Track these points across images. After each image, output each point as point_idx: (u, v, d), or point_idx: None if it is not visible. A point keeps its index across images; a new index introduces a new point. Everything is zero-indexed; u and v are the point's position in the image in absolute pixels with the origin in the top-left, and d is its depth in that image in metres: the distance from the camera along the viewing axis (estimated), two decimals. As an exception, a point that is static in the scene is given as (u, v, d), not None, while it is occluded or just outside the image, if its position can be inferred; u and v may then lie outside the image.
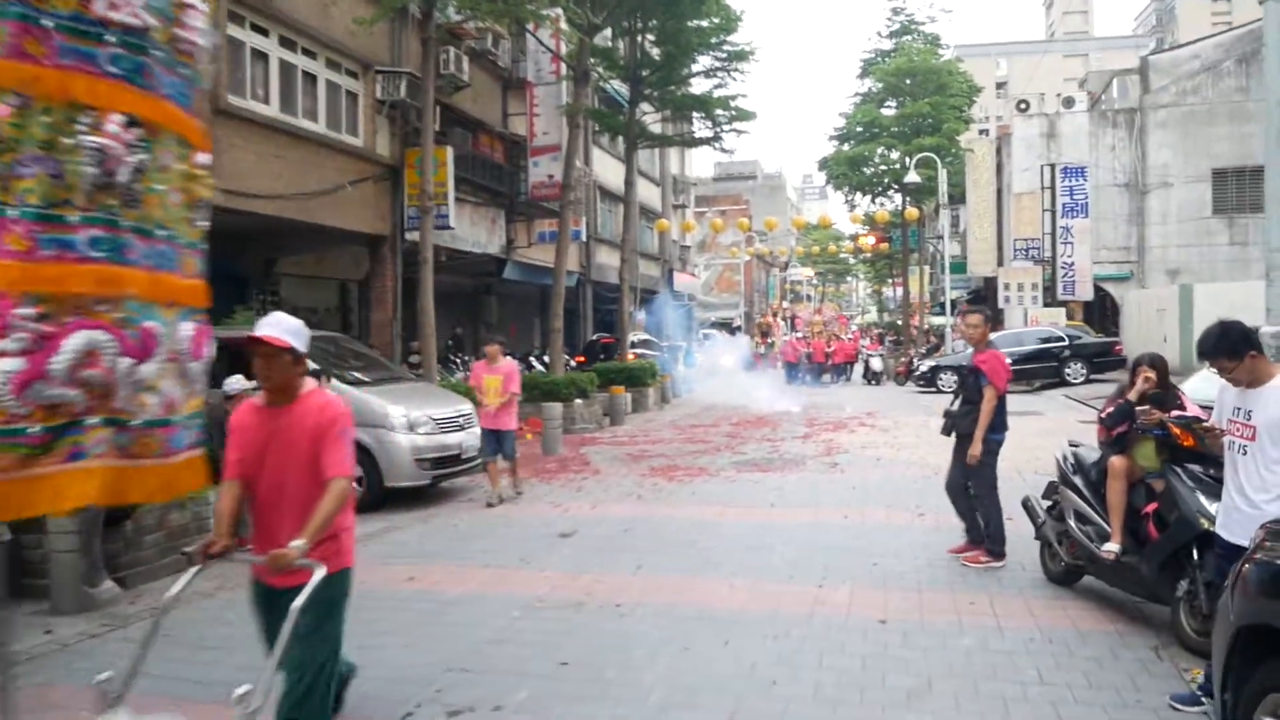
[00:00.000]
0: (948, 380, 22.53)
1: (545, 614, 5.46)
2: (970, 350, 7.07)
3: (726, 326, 42.68)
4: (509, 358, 10.19)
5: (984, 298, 38.84)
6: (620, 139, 21.64)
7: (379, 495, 8.91)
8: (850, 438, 13.80)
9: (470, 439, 9.65)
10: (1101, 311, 30.55)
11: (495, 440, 9.12)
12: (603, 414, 17.34)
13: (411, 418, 8.98)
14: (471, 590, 6.05)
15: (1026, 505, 6.24)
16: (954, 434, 6.79)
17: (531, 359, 27.00)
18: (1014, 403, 18.07)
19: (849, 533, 7.44)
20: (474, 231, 21.20)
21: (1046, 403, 19.04)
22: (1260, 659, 3.02)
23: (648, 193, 36.28)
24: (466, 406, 10.07)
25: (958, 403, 6.88)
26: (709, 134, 21.90)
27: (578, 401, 16.08)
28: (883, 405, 19.63)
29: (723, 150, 21.46)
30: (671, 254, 40.51)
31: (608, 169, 32.02)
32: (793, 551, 6.84)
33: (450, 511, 8.85)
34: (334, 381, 9.09)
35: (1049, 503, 6.08)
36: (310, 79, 15.13)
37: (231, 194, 12.51)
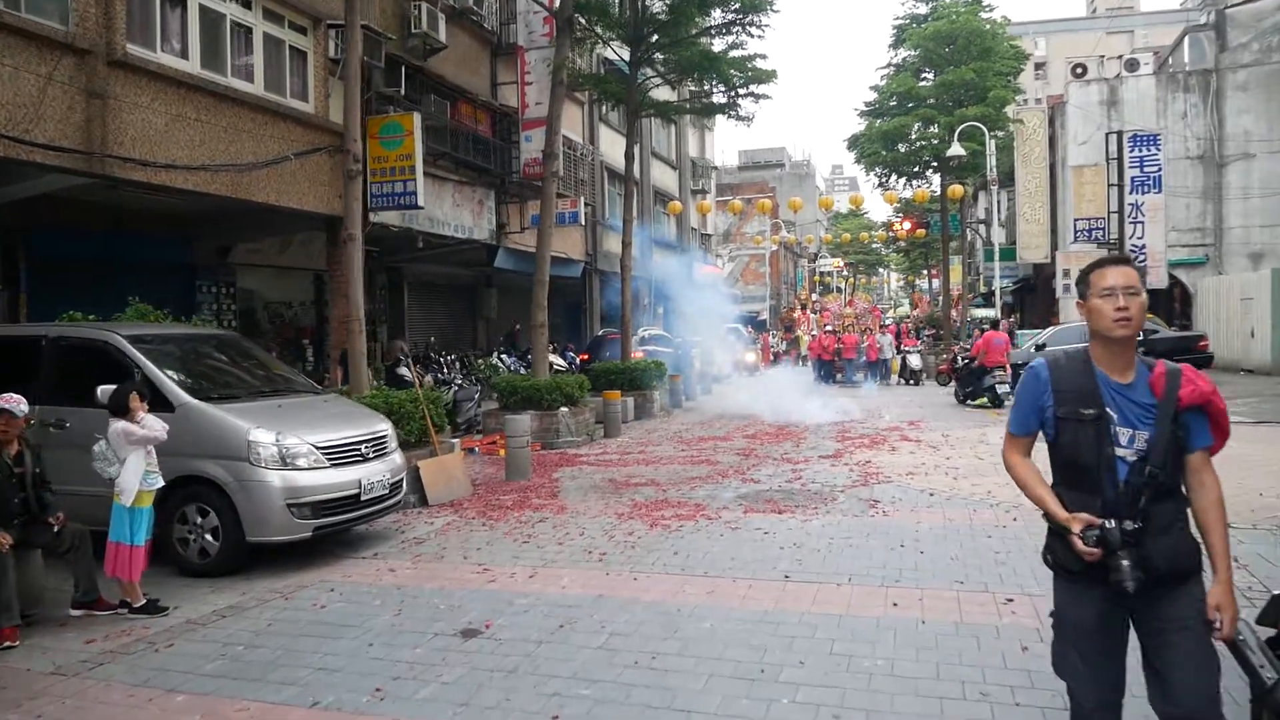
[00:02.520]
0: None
1: None
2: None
3: (748, 323, 39.89)
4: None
5: (1033, 287, 35.72)
6: (625, 113, 19.01)
7: (236, 554, 6.41)
8: (891, 458, 11.09)
9: (381, 473, 7.12)
10: (1168, 302, 27.40)
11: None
12: (595, 423, 14.78)
13: (284, 446, 6.45)
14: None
15: (1236, 647, 3.44)
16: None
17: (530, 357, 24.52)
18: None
19: (901, 640, 4.78)
20: (456, 214, 18.71)
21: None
22: None
23: (663, 176, 33.61)
24: (381, 427, 7.54)
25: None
26: (723, 100, 19.15)
27: (562, 411, 13.51)
28: (926, 412, 16.85)
29: (740, 119, 18.83)
30: (691, 243, 37.81)
31: (616, 149, 29.39)
32: (811, 689, 4.20)
33: (330, 581, 6.30)
34: (186, 398, 6.59)
35: (1273, 634, 3.36)
36: (243, 31, 12.67)
37: (134, 163, 10.11)
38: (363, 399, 8.95)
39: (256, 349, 8.59)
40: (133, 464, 5.41)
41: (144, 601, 5.56)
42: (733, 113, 19.14)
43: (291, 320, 18.18)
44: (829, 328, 26.79)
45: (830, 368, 25.10)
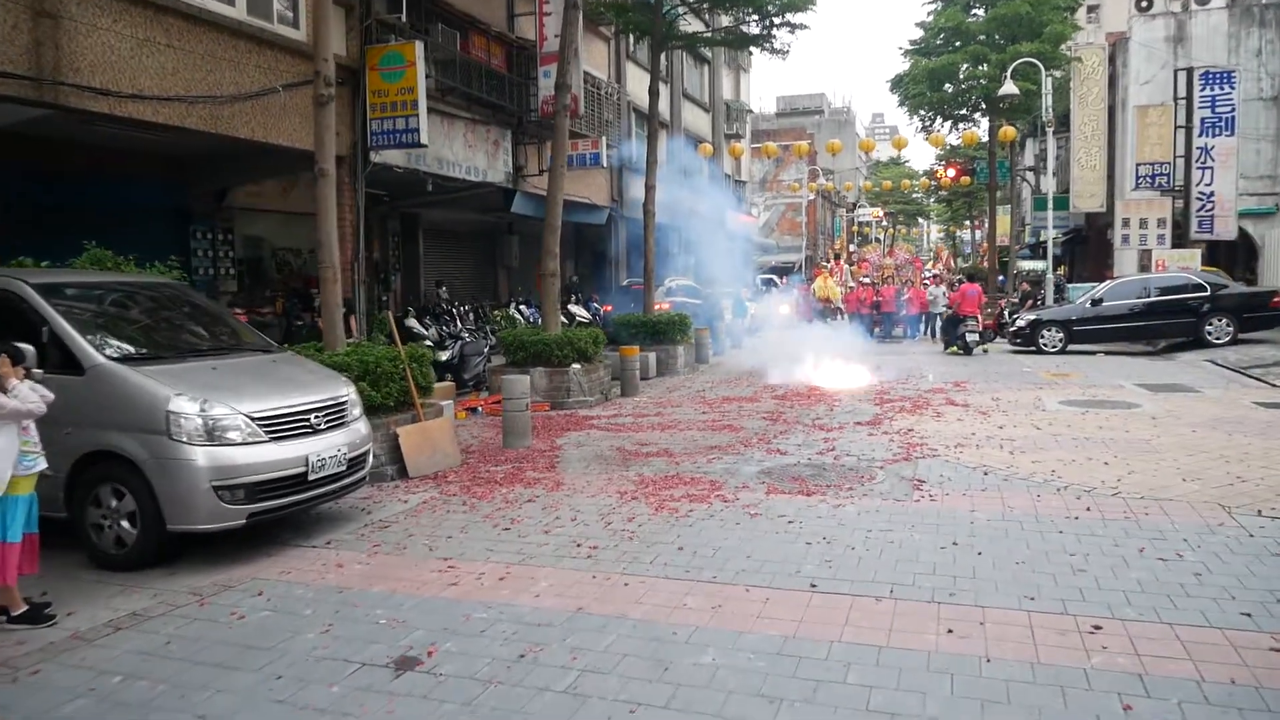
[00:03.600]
0: (1053, 338, 18.23)
1: None
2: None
3: (779, 274, 38.36)
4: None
5: (1084, 239, 33.77)
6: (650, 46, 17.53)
7: (157, 544, 5.40)
8: (936, 426, 9.84)
9: (337, 446, 6.05)
10: (1230, 256, 25.52)
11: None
12: (612, 380, 13.67)
13: (210, 417, 5.40)
14: None
15: None
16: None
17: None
18: (1142, 369, 13.77)
19: (961, 689, 3.63)
20: (469, 155, 17.49)
21: (1190, 371, 14.69)
22: None
23: (695, 119, 31.97)
24: (342, 392, 6.47)
25: None
26: (757, 31, 17.60)
27: (573, 368, 12.39)
28: (973, 371, 15.50)
29: (774, 52, 17.28)
30: (725, 189, 36.20)
31: (645, 89, 27.83)
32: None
33: (263, 579, 5.28)
34: (99, 359, 5.55)
35: None
36: (222, -56, 11.45)
37: (93, 93, 9.02)
38: (335, 357, 7.89)
39: (206, 301, 7.54)
40: (2, 444, 4.38)
41: (25, 609, 4.57)
42: (766, 45, 17.61)
43: (300, 268, 17.16)
44: (865, 279, 25.28)
45: (870, 322, 23.69)
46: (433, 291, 20.38)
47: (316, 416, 6.01)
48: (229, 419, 5.48)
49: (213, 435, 5.39)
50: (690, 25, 21.33)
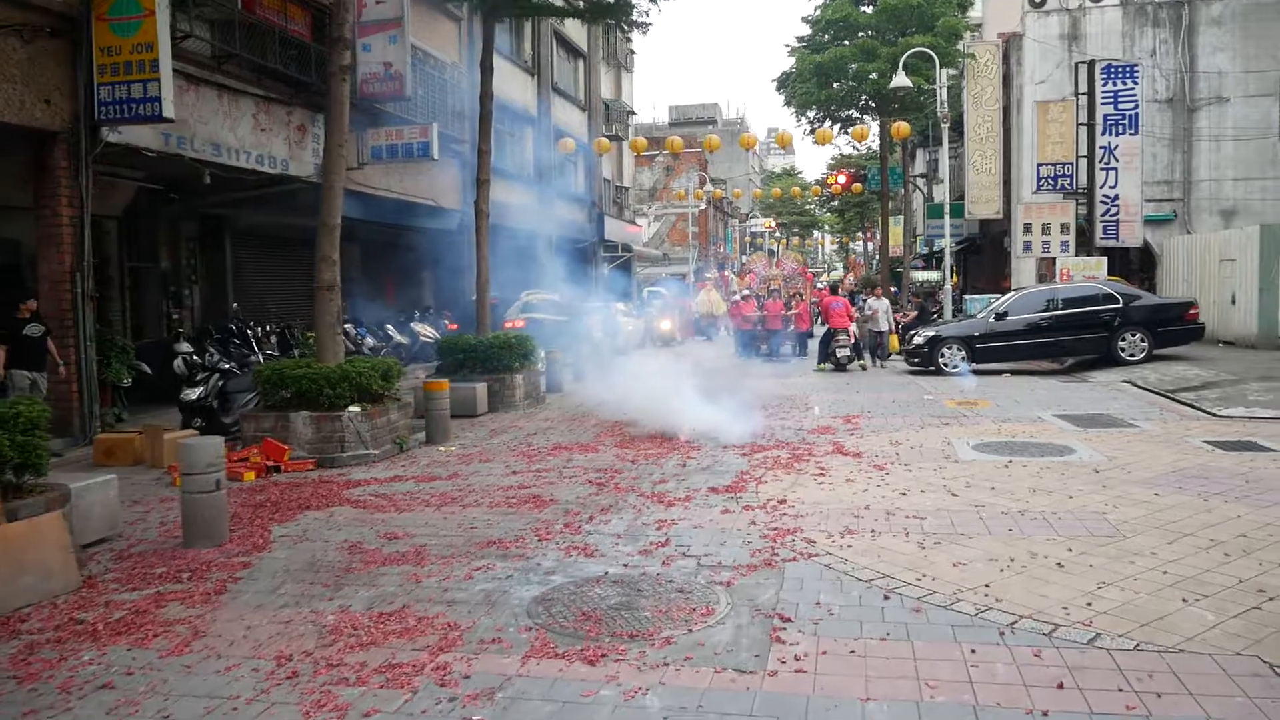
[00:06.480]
0: (953, 357, 16.05)
1: None
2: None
3: (673, 284, 35.90)
4: None
5: (978, 248, 32.39)
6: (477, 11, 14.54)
7: None
8: (818, 492, 7.16)
9: None
10: (1125, 264, 24.18)
11: None
12: (420, 419, 10.65)
13: None
14: None
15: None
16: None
17: (389, 327, 20.15)
18: (1059, 395, 11.53)
19: None
20: (262, 140, 14.22)
21: (1111, 397, 12.58)
22: None
23: (568, 116, 29.17)
24: None
25: None
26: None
27: (351, 411, 9.29)
28: (865, 400, 13.05)
29: (631, 25, 14.66)
30: (603, 196, 33.55)
31: (512, 84, 24.90)
32: None
33: None
34: None
35: None
36: None
37: None
38: None
39: None
40: None
41: None
42: (624, 15, 14.90)
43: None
44: (746, 291, 22.89)
45: (753, 338, 21.25)
46: (234, 310, 16.95)
47: None
48: None
49: None
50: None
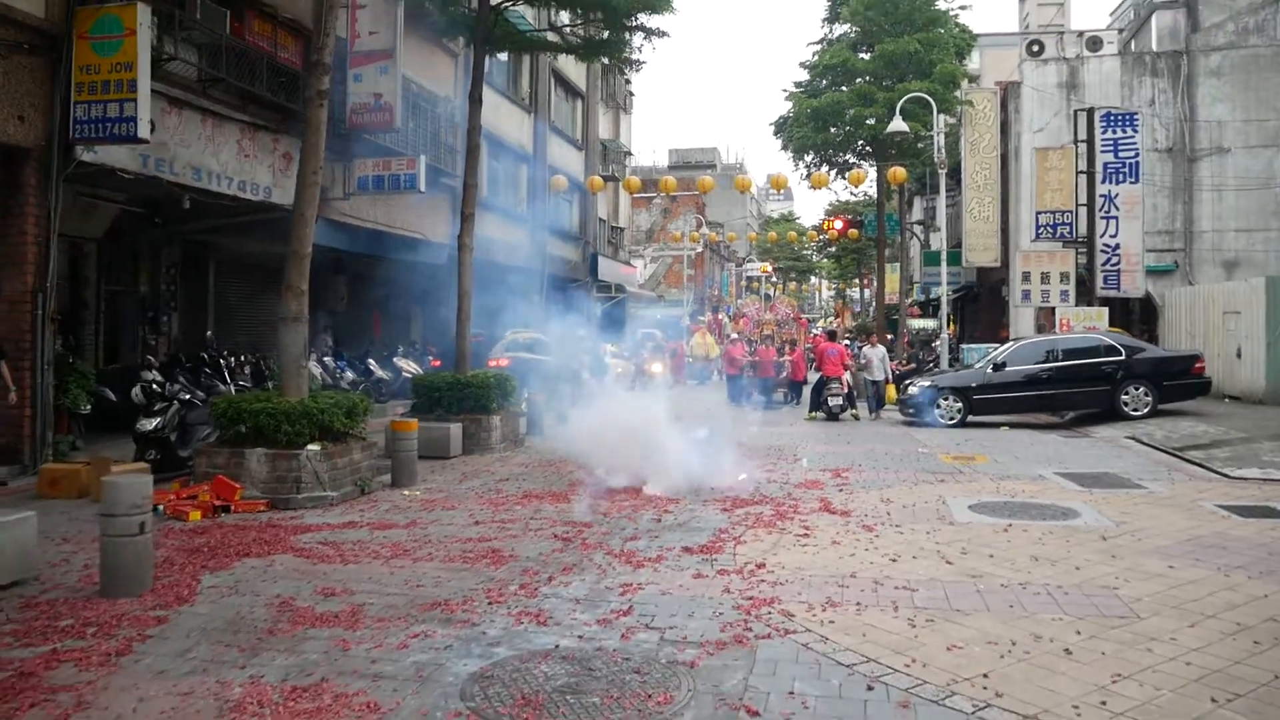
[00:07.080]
0: (950, 408, 15.54)
1: None
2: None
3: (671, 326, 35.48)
4: None
5: (975, 296, 32.05)
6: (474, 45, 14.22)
7: None
8: (800, 556, 6.59)
9: None
10: (1126, 315, 23.81)
11: None
12: (385, 458, 10.08)
13: None
14: None
15: None
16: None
17: (371, 362, 19.63)
18: (1060, 451, 10.93)
19: None
20: (245, 167, 13.81)
21: (1116, 454, 12.03)
22: None
23: (564, 155, 28.98)
24: None
25: None
26: (604, 35, 14.56)
27: (310, 449, 8.73)
28: (857, 453, 12.50)
29: (626, 62, 14.40)
30: (598, 235, 33.27)
31: (508, 121, 24.70)
32: None
33: None
34: None
35: None
36: None
37: None
38: None
39: None
40: None
41: None
42: (618, 53, 14.61)
43: None
44: (734, 336, 22.41)
45: (744, 384, 20.73)
46: (212, 338, 16.46)
47: None
48: None
49: None
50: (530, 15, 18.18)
